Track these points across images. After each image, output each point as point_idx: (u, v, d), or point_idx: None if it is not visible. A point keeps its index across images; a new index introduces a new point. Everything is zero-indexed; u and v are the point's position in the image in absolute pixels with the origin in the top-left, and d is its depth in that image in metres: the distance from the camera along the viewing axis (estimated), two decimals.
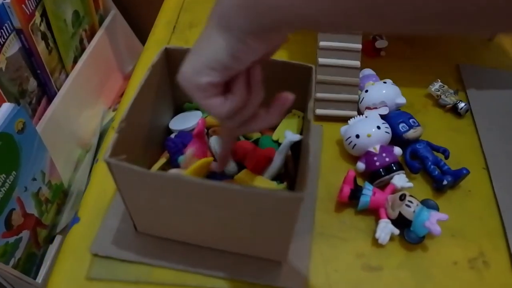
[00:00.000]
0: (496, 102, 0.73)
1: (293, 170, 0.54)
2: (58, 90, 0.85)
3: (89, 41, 0.98)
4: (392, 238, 0.54)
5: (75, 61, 0.91)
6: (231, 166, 0.53)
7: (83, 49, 0.95)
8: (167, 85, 0.55)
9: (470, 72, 0.78)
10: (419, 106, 0.72)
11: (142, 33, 1.12)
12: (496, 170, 0.62)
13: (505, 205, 0.58)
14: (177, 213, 0.45)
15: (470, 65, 0.79)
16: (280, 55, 0.51)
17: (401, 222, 0.53)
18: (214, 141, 0.53)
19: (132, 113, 0.44)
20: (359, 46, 0.66)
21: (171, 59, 0.53)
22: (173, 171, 0.49)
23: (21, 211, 0.64)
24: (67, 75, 0.89)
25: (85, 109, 0.93)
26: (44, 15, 0.79)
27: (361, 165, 0.59)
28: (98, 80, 1.00)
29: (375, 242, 0.53)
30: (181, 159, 0.49)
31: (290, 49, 0.79)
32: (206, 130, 0.57)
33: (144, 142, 0.51)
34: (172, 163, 0.52)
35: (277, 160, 0.51)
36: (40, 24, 0.78)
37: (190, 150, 0.49)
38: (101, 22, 1.04)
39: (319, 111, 0.66)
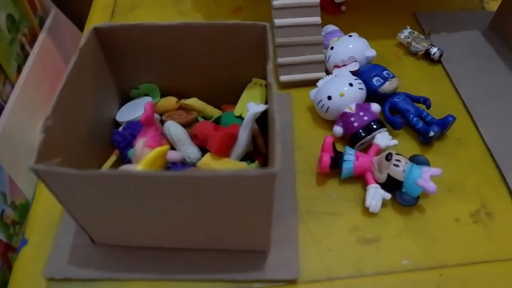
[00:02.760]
0: (459, 44, 0.68)
1: (264, 146, 0.47)
2: (5, 103, 0.76)
3: (31, 46, 0.88)
4: (384, 204, 0.48)
5: (19, 70, 0.82)
6: (193, 152, 0.46)
7: (26, 56, 0.86)
8: (106, 71, 0.48)
9: (428, 19, 0.73)
10: (390, 57, 0.66)
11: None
12: (478, 114, 0.58)
13: (497, 149, 0.53)
14: (134, 216, 0.38)
15: (426, 12, 0.74)
16: None
17: (391, 184, 0.47)
18: (170, 127, 0.46)
19: (61, 108, 0.37)
20: (317, 0, 0.59)
21: (105, 40, 0.45)
22: (124, 167, 0.42)
23: None
24: (12, 86, 0.80)
25: (39, 119, 0.84)
26: None
27: (338, 129, 0.53)
28: (48, 85, 0.91)
29: (367, 211, 0.47)
30: (131, 152, 0.42)
31: (244, 18, 0.72)
32: (159, 116, 0.50)
33: (87, 140, 0.43)
34: (124, 159, 0.44)
35: (242, 137, 0.44)
36: None
37: (140, 141, 0.41)
38: (42, 24, 0.95)
39: (283, 78, 0.60)
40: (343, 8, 0.74)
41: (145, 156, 0.40)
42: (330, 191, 0.49)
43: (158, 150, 0.40)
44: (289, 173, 0.50)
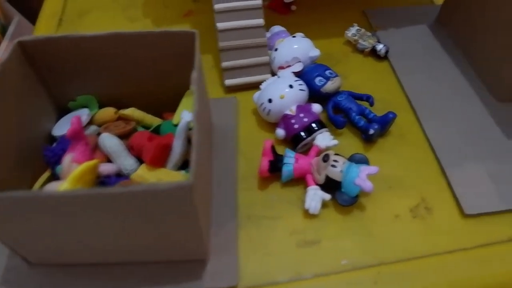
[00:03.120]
0: (406, 39, 0.69)
1: None
2: None
3: None
4: (326, 205, 0.48)
5: None
6: (129, 164, 0.45)
7: None
8: (37, 85, 0.47)
9: (376, 15, 0.73)
10: (338, 56, 0.66)
11: None
12: (421, 109, 0.58)
13: (438, 144, 0.54)
14: (63, 234, 0.38)
15: (374, 9, 0.75)
16: None
17: (330, 185, 0.47)
18: (104, 139, 0.45)
19: None
20: (259, 2, 0.59)
21: (33, 54, 0.45)
22: (51, 185, 0.41)
23: None
24: None
25: None
26: None
27: (280, 132, 0.53)
28: None
29: (308, 214, 0.47)
30: (59, 168, 0.42)
31: (195, 22, 0.72)
32: (98, 128, 0.49)
33: (16, 157, 0.43)
34: (54, 176, 0.44)
35: (177, 146, 0.44)
36: None
37: (67, 156, 0.41)
38: (4, 32, 0.93)
39: (228, 82, 0.60)
40: (293, 7, 0.74)
41: (72, 172, 0.39)
42: (271, 194, 0.50)
43: (85, 165, 0.39)
44: (231, 178, 0.50)
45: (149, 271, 0.43)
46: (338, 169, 0.47)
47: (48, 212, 0.34)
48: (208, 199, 0.46)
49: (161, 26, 0.73)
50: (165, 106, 0.52)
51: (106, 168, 0.43)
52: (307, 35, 0.62)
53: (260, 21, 0.59)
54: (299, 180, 0.50)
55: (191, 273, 0.43)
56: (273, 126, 0.56)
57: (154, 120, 0.51)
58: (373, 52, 0.66)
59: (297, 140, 0.52)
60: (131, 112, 0.49)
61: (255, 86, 0.59)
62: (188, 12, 0.75)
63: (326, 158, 0.47)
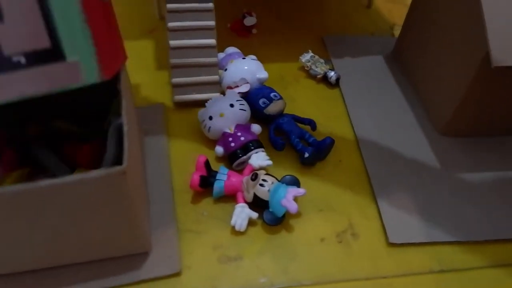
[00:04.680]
0: (360, 68, 0.71)
1: None
2: None
3: None
4: (254, 223, 0.49)
5: None
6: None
7: None
8: None
9: (334, 43, 0.76)
10: (290, 79, 0.68)
11: None
12: (362, 136, 0.60)
13: (373, 172, 0.55)
14: None
15: (333, 36, 0.77)
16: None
17: (258, 204, 0.48)
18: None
19: None
20: (212, 23, 0.61)
21: None
22: None
23: None
24: None
25: None
26: None
27: (219, 149, 0.54)
28: None
29: (235, 230, 0.48)
30: None
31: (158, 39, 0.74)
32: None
33: None
34: None
35: (110, 146, 0.45)
36: None
37: None
38: None
39: (177, 98, 0.61)
40: (254, 31, 0.76)
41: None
42: (202, 209, 0.50)
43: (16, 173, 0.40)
44: (164, 193, 0.51)
45: (90, 270, 0.43)
46: (266, 188, 0.48)
47: None
48: (144, 195, 0.46)
49: (126, 40, 0.75)
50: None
51: None
52: (264, 58, 0.64)
53: (212, 41, 0.61)
54: (232, 198, 0.51)
55: (133, 265, 0.44)
56: (213, 143, 0.57)
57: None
58: (325, 79, 0.68)
59: (233, 158, 0.53)
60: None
61: (203, 103, 0.60)
62: (152, 29, 0.77)
63: (254, 177, 0.48)
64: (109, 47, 0.33)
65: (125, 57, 0.42)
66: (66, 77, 0.28)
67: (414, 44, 0.67)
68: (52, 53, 0.26)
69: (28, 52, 0.26)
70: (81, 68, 0.28)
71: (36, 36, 0.26)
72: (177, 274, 0.44)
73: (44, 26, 0.26)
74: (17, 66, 0.26)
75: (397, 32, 0.80)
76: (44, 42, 0.26)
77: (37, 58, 0.26)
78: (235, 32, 0.76)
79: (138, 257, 0.45)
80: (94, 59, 0.28)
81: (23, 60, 0.26)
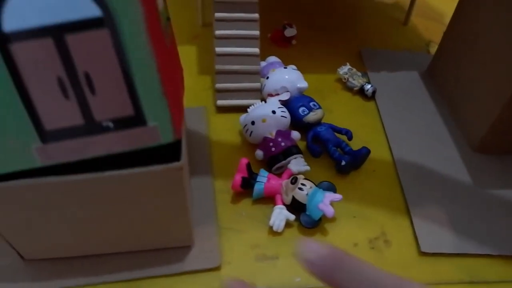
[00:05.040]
0: (395, 83, 0.73)
1: None
2: None
3: None
4: (290, 225, 0.51)
5: None
6: None
7: None
8: None
9: (371, 56, 0.78)
10: (328, 91, 0.71)
11: None
12: (397, 149, 0.61)
13: (406, 184, 0.57)
14: (53, 225, 0.41)
15: (371, 49, 0.79)
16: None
17: (296, 207, 0.51)
18: None
19: None
20: (257, 33, 0.64)
21: None
22: None
23: None
24: None
25: None
26: None
27: (259, 153, 0.57)
28: None
29: (272, 231, 0.50)
30: None
31: (197, 44, 0.77)
32: None
33: None
34: None
35: None
36: None
37: None
38: None
39: (220, 102, 0.64)
40: (294, 42, 0.79)
41: None
42: (241, 209, 0.53)
43: None
44: (207, 191, 0.54)
45: (138, 259, 0.46)
46: (304, 192, 0.50)
47: (38, 200, 0.38)
48: (190, 192, 0.49)
49: None
50: None
51: None
52: (302, 69, 0.66)
53: (256, 50, 0.64)
54: (270, 200, 0.53)
55: (176, 257, 0.47)
56: (253, 147, 0.59)
57: None
58: (361, 92, 0.70)
59: (272, 162, 0.55)
60: None
61: (244, 109, 0.63)
62: (196, 35, 0.80)
63: (294, 181, 0.50)
64: (180, 110, 0.39)
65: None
66: (147, 138, 0.34)
67: (451, 61, 0.68)
68: (135, 120, 0.32)
69: (115, 118, 0.32)
70: (159, 131, 0.34)
71: (122, 105, 0.31)
72: (217, 269, 0.47)
73: (129, 97, 0.31)
74: (106, 129, 0.32)
75: (432, 49, 0.82)
76: (128, 111, 0.32)
77: (122, 123, 0.32)
78: (274, 43, 0.78)
79: (181, 250, 0.47)
80: (169, 123, 0.34)
81: (111, 125, 0.32)
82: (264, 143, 0.56)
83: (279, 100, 0.61)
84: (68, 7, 0.28)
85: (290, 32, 0.77)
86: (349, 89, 0.71)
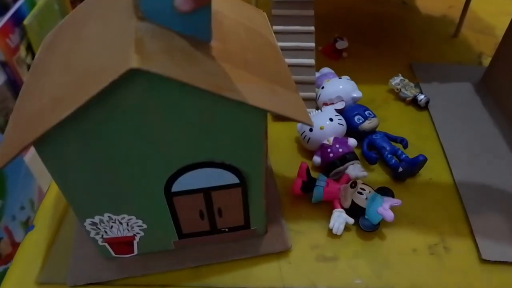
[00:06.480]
0: (448, 94, 0.73)
1: None
2: None
3: None
4: (348, 228, 0.53)
5: None
6: None
7: None
8: None
9: (422, 69, 0.79)
10: (380, 101, 0.72)
11: None
12: (453, 158, 0.62)
13: (464, 192, 0.57)
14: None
15: (421, 63, 0.80)
16: None
17: (355, 210, 0.52)
18: None
19: None
20: (313, 45, 0.66)
21: None
22: None
23: (9, 240, 0.63)
24: None
25: None
26: (30, 48, 0.82)
27: (316, 159, 0.59)
28: None
29: (331, 233, 0.52)
30: None
31: None
32: None
33: None
34: None
35: None
36: (26, 57, 0.81)
37: None
38: None
39: None
40: (345, 54, 0.81)
41: None
42: (300, 212, 0.55)
43: None
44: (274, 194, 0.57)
45: (215, 247, 0.50)
46: (363, 196, 0.51)
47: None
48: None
49: None
50: None
51: None
52: (354, 80, 0.68)
53: (311, 61, 0.66)
54: (328, 203, 0.54)
55: (251, 243, 0.50)
56: (310, 153, 0.61)
57: None
58: (414, 102, 0.71)
59: (330, 167, 0.57)
60: None
61: None
62: None
63: (354, 185, 0.52)
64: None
65: None
66: (248, 235, 0.50)
67: (507, 72, 0.68)
68: (243, 227, 0.49)
69: (230, 227, 0.49)
70: (257, 230, 0.50)
71: (238, 221, 0.48)
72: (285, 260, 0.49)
73: (243, 218, 0.48)
74: (223, 232, 0.49)
75: (485, 61, 0.82)
76: (241, 222, 0.48)
77: (234, 229, 0.49)
78: (326, 55, 0.81)
79: (255, 237, 0.51)
80: (264, 225, 0.50)
81: (227, 230, 0.49)
82: (321, 149, 0.58)
83: (335, 109, 0.62)
84: (218, 178, 0.42)
85: (341, 44, 0.79)
86: (402, 99, 0.72)
